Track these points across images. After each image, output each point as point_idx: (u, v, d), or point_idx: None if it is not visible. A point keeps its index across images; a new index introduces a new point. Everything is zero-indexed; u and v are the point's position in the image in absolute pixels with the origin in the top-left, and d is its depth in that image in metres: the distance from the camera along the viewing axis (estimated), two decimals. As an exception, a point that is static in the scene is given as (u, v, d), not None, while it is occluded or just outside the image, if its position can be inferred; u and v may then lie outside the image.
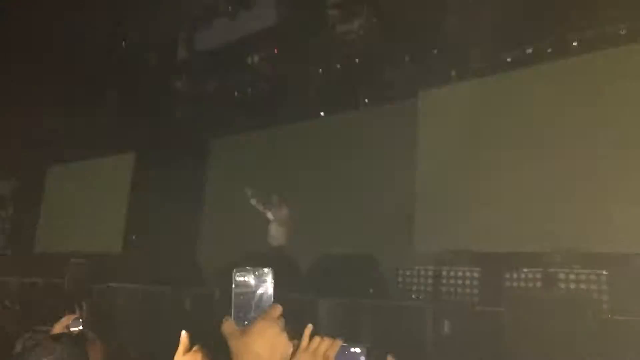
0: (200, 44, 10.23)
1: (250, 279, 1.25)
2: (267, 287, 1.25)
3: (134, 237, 10.42)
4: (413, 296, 6.77)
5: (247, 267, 1.26)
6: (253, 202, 8.10)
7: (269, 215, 8.01)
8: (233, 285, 1.25)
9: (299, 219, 8.10)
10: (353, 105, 9.20)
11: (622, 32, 6.73)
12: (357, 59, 8.30)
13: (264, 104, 9.90)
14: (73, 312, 2.75)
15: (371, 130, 8.79)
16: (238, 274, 1.25)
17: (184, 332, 1.43)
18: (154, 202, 10.42)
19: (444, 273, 6.67)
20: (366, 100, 8.98)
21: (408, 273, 6.85)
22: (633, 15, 6.54)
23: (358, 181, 8.66)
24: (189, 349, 1.41)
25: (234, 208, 9.50)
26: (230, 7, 9.27)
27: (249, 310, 1.23)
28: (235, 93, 9.85)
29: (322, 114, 9.90)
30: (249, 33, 9.24)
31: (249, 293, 1.24)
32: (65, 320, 2.41)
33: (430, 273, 6.74)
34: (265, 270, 1.26)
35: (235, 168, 10.23)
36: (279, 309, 1.22)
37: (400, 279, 6.86)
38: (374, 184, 8.45)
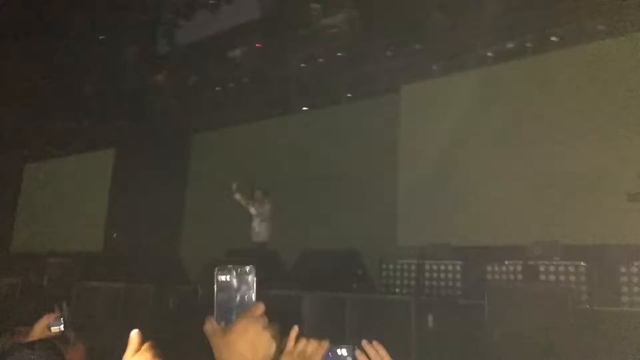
0: (181, 37, 10.11)
1: (232, 277, 1.22)
2: (250, 285, 1.23)
3: (114, 235, 10.28)
4: (397, 290, 6.80)
5: (229, 265, 1.23)
6: (237, 196, 8.01)
7: (252, 210, 7.95)
8: (215, 284, 1.23)
9: (281, 215, 8.07)
10: (335, 100, 9.19)
11: (600, 28, 6.84)
12: (339, 53, 8.28)
13: (245, 98, 9.83)
14: (53, 311, 2.69)
15: (354, 125, 8.81)
16: (220, 272, 1.23)
17: (134, 331, 1.39)
18: (135, 198, 10.29)
19: (427, 267, 6.70)
20: (349, 95, 8.98)
21: (391, 267, 6.86)
22: (611, 11, 6.64)
23: (341, 176, 8.67)
24: (138, 349, 1.37)
25: (217, 204, 9.44)
26: (211, 0, 9.18)
27: (231, 309, 1.21)
28: (217, 87, 9.74)
29: (304, 108, 9.88)
30: (231, 27, 9.17)
31: (231, 292, 1.22)
32: (46, 319, 2.35)
33: (413, 267, 6.76)
34: (248, 268, 1.23)
35: (217, 163, 10.15)
36: (261, 307, 1.20)
37: (383, 274, 6.87)
38: (356, 179, 8.47)
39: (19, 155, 13.19)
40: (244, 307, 1.20)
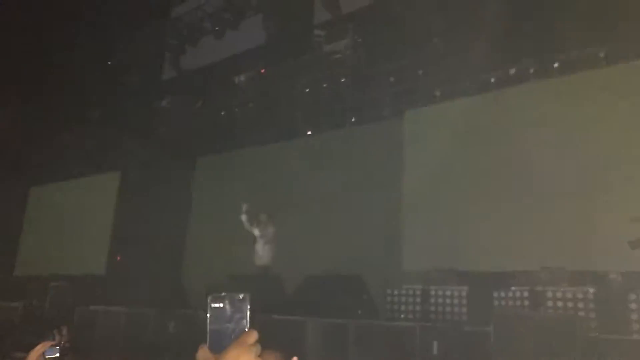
0: (187, 63, 10.26)
1: (226, 305, 1.22)
2: (243, 313, 1.22)
3: (117, 258, 10.23)
4: (402, 316, 6.71)
5: (222, 293, 1.23)
6: (243, 217, 7.98)
7: (256, 232, 7.91)
8: (208, 312, 1.22)
9: (286, 239, 8.02)
10: (340, 124, 9.24)
11: (602, 55, 6.91)
12: (342, 79, 8.37)
13: (250, 123, 9.91)
14: (51, 338, 2.66)
15: (358, 149, 8.83)
16: (213, 300, 1.22)
17: None
18: (139, 222, 10.29)
19: (432, 292, 6.63)
20: (353, 119, 9.03)
21: (396, 293, 6.79)
22: (612, 38, 6.72)
23: (345, 200, 8.65)
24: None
25: (221, 227, 9.41)
26: (217, 28, 9.34)
27: (224, 338, 1.21)
28: (222, 112, 9.84)
29: (309, 132, 9.93)
30: (236, 53, 9.31)
31: (224, 320, 1.21)
32: (41, 347, 2.32)
33: (418, 292, 6.69)
34: (241, 295, 1.23)
35: (222, 187, 10.16)
36: (254, 335, 1.19)
37: (388, 299, 6.80)
38: (361, 203, 8.45)
39: (25, 178, 13.26)
40: (237, 335, 1.20)
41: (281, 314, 6.18)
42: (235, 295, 1.21)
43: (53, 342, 2.38)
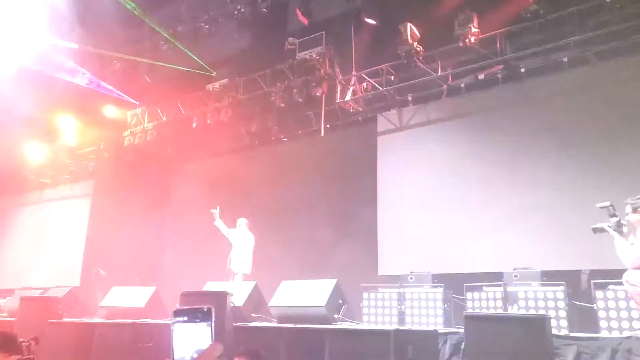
0: (161, 71, 10.18)
1: (190, 319, 1.23)
2: (208, 326, 1.23)
3: (100, 270, 10.01)
4: (377, 319, 6.74)
5: (186, 307, 1.25)
6: (217, 223, 7.88)
7: (231, 237, 7.83)
8: (172, 326, 1.23)
9: (263, 244, 8.01)
10: (315, 130, 9.27)
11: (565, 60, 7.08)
12: (316, 85, 8.40)
13: (225, 130, 9.89)
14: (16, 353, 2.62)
15: (333, 155, 8.89)
16: (177, 314, 1.23)
17: None
18: (114, 232, 10.16)
19: (408, 295, 6.69)
20: (328, 126, 9.07)
21: (372, 296, 6.83)
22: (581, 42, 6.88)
23: (321, 206, 8.68)
24: None
25: (198, 234, 9.35)
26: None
27: (188, 351, 1.21)
28: (195, 118, 9.80)
29: (284, 138, 9.96)
30: (211, 60, 9.28)
31: (188, 333, 1.22)
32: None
33: (394, 296, 6.74)
34: (205, 308, 1.24)
35: (197, 194, 10.09)
36: (219, 349, 1.20)
37: (365, 303, 6.83)
38: (336, 208, 8.49)
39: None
40: (202, 349, 1.20)
41: (257, 321, 6.16)
42: (199, 308, 1.22)
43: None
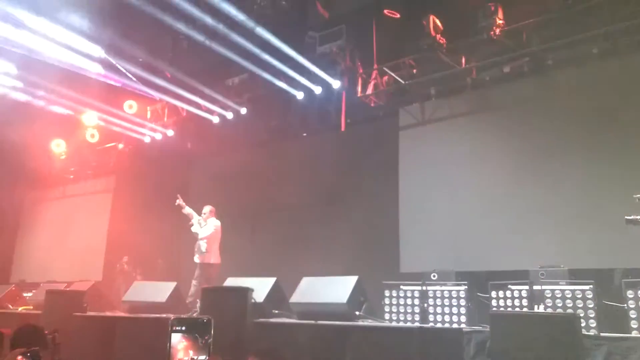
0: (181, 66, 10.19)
1: (189, 329, 1.17)
2: (208, 336, 1.17)
3: (125, 259, 10.10)
4: (400, 317, 6.66)
5: (183, 316, 1.20)
6: (187, 210, 7.76)
7: (192, 228, 7.73)
8: (170, 336, 1.18)
9: (283, 240, 7.96)
10: (336, 125, 9.18)
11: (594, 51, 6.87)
12: (337, 79, 8.32)
13: (245, 125, 9.88)
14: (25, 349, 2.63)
15: (354, 150, 8.79)
16: (175, 323, 1.18)
17: None
18: (135, 226, 10.25)
19: (430, 293, 6.58)
20: (348, 121, 8.99)
21: (395, 294, 6.74)
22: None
23: (342, 201, 8.61)
24: None
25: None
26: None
27: None
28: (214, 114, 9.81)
29: (304, 134, 9.90)
30: (229, 55, 9.23)
31: (186, 343, 1.17)
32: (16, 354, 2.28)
33: (416, 294, 6.64)
34: (205, 319, 1.18)
35: (217, 189, 10.10)
36: None
37: (387, 301, 6.75)
38: (358, 205, 8.40)
39: (21, 184, 13.23)
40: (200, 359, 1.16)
41: (277, 317, 6.13)
42: (198, 318, 1.18)
43: (28, 351, 2.33)
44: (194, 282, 7.43)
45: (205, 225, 7.68)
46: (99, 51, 9.03)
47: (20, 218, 13.73)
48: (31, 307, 8.59)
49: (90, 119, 11.05)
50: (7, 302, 9.00)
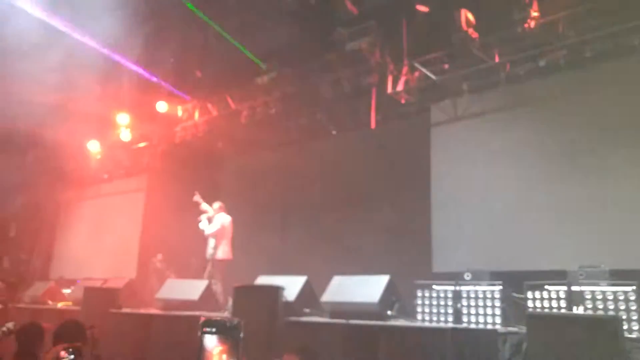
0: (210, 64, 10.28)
1: (220, 331, 1.15)
2: (237, 339, 1.15)
3: (158, 257, 10.31)
4: (433, 318, 6.56)
5: (214, 318, 1.17)
6: (205, 206, 7.87)
7: (200, 224, 7.86)
8: (202, 338, 1.16)
9: (314, 239, 7.95)
10: (366, 123, 9.11)
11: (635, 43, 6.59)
12: (366, 76, 8.24)
13: (274, 123, 9.90)
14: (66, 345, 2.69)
15: (385, 148, 8.70)
16: (205, 324, 1.16)
17: None
18: (168, 224, 10.40)
19: (464, 294, 6.47)
20: (379, 118, 8.89)
21: (427, 294, 6.65)
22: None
23: (372, 200, 8.54)
24: None
25: (248, 227, 9.43)
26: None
27: None
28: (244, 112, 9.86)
29: (334, 132, 9.85)
30: (259, 53, 9.27)
31: (217, 345, 1.15)
32: (56, 352, 2.33)
33: (449, 294, 6.54)
34: (235, 321, 1.16)
35: (247, 188, 10.17)
36: None
37: (419, 301, 6.67)
38: (389, 203, 8.32)
39: (59, 184, 13.61)
40: None
41: (308, 316, 6.12)
42: (228, 320, 1.15)
43: (69, 347, 2.38)
44: (212, 280, 7.58)
45: (213, 222, 7.82)
46: (132, 51, 9.20)
47: (59, 217, 14.15)
48: (70, 303, 8.83)
49: (123, 119, 11.28)
50: (47, 298, 9.28)
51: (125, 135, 11.57)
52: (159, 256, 10.25)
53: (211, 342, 1.18)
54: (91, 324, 3.71)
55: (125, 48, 9.27)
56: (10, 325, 3.70)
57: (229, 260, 7.83)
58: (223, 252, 7.74)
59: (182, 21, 9.21)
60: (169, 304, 7.35)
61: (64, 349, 2.58)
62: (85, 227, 13.06)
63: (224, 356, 1.17)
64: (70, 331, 3.40)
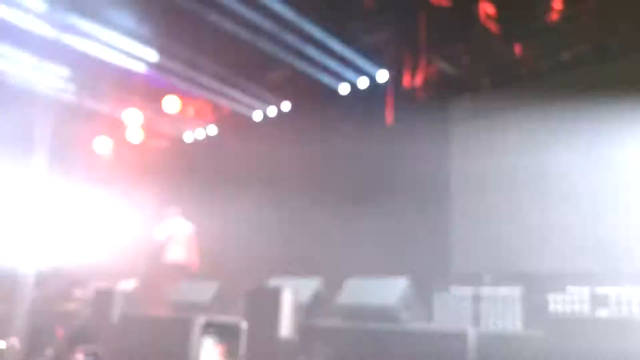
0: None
1: (220, 332, 0.98)
2: (237, 341, 0.98)
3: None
4: (452, 320, 6.43)
5: (217, 321, 0.99)
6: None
7: (157, 230, 7.82)
8: (201, 339, 0.98)
9: (326, 239, 7.83)
10: (382, 119, 8.96)
11: None
12: (384, 70, 8.10)
13: (288, 120, 9.82)
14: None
15: (401, 144, 8.55)
16: (206, 326, 0.98)
17: None
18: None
19: (483, 295, 6.35)
20: (395, 113, 8.74)
21: (445, 296, 6.53)
22: None
23: (387, 199, 8.40)
24: None
25: (260, 229, 9.31)
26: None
27: None
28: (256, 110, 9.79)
29: (349, 128, 9.69)
30: (270, 49, 9.15)
31: (217, 347, 0.98)
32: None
33: (468, 295, 6.42)
34: (236, 322, 0.98)
35: (258, 188, 10.06)
36: None
37: (436, 303, 6.54)
38: (405, 201, 8.17)
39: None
40: None
41: (321, 317, 5.98)
42: (228, 321, 0.98)
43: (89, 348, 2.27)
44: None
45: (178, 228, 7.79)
46: (143, 49, 9.14)
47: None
48: (80, 305, 8.79)
49: (134, 118, 11.22)
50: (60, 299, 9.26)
51: (136, 134, 11.53)
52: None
53: (214, 345, 1.03)
54: (102, 326, 3.61)
55: (138, 45, 9.21)
56: None
57: (189, 266, 7.79)
58: (184, 257, 7.79)
59: (193, 16, 9.13)
60: (179, 306, 7.28)
61: (82, 352, 2.46)
62: (94, 227, 13.04)
63: (224, 357, 1.01)
64: (87, 334, 3.32)
